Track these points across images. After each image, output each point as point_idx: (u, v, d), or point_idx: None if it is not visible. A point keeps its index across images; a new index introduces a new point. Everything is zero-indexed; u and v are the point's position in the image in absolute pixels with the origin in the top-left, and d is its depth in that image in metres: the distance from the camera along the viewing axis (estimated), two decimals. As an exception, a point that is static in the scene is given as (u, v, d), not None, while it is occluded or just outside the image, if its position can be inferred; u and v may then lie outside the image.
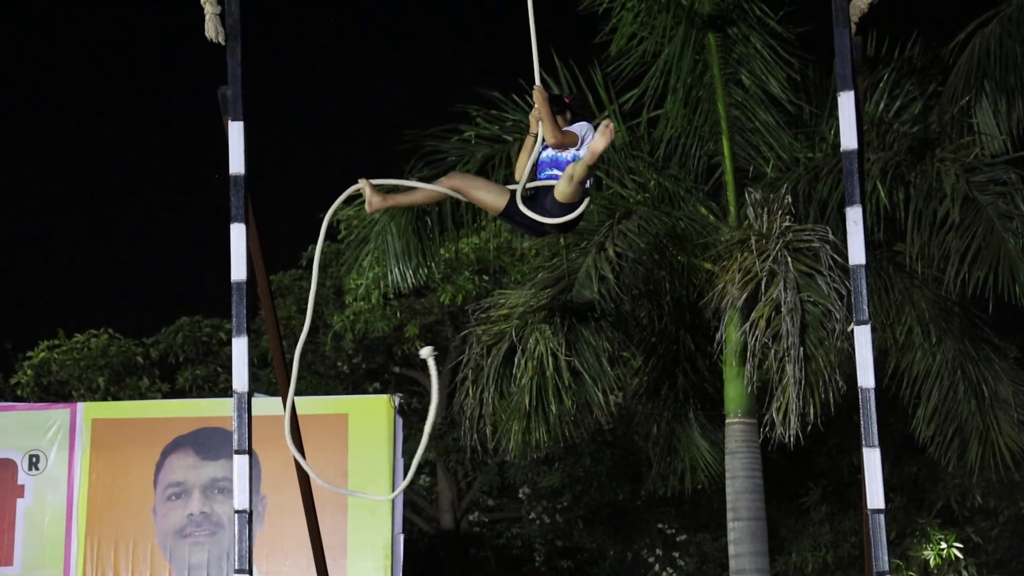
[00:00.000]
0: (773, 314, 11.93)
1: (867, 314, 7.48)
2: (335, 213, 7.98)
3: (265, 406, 11.57)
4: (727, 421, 13.33)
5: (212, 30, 7.82)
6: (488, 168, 13.50)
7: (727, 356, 13.15)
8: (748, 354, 12.12)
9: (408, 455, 21.23)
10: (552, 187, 7.82)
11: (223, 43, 7.82)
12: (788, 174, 13.43)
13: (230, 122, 7.85)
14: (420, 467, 23.70)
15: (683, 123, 13.66)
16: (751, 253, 12.19)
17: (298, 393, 12.71)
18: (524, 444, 13.21)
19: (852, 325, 7.56)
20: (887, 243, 13.71)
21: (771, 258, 12.04)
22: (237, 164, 7.82)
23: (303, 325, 8.08)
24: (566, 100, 8.35)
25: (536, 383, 12.92)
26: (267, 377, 20.70)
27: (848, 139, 7.68)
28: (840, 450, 21.46)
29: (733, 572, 13.25)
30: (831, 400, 11.89)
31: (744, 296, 12.14)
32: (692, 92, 13.55)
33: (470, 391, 13.27)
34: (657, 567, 23.65)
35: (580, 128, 7.99)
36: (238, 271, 7.75)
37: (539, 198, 7.88)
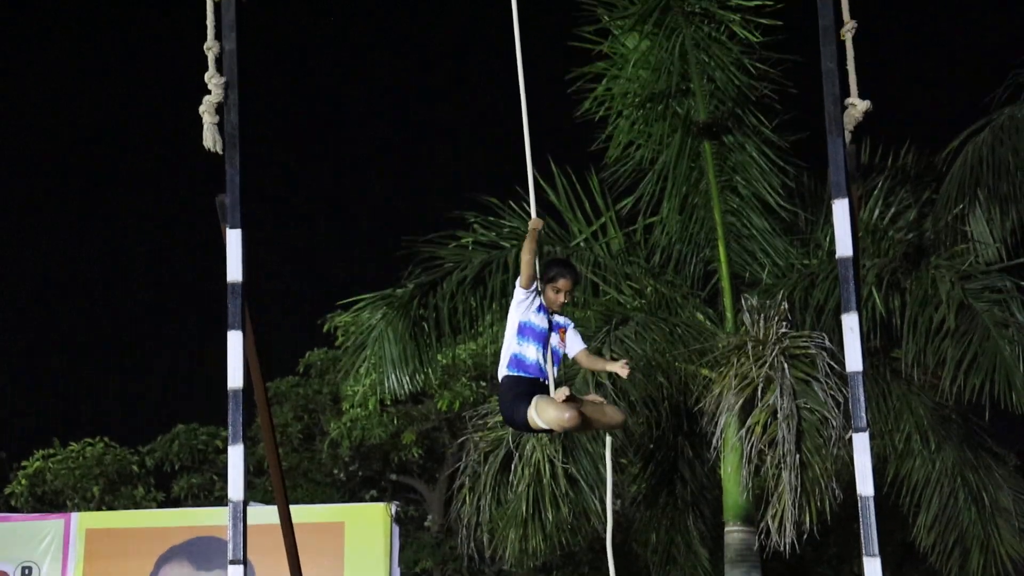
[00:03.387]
0: (770, 420, 11.90)
1: (865, 421, 7.45)
2: None
3: (261, 515, 11.48)
4: (726, 529, 13.22)
5: (210, 139, 7.87)
6: (485, 274, 13.54)
7: (724, 462, 13.08)
8: (744, 460, 12.07)
9: (404, 564, 21.18)
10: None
11: (220, 152, 7.87)
12: (784, 280, 13.47)
13: (228, 230, 7.87)
14: (417, 576, 23.53)
15: (679, 229, 13.74)
16: (748, 359, 12.19)
17: (294, 501, 12.64)
18: (521, 552, 13.10)
19: (850, 432, 7.52)
20: (884, 349, 13.71)
21: (768, 364, 12.03)
22: (235, 272, 7.82)
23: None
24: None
25: (533, 490, 12.84)
26: (263, 485, 20.59)
27: (843, 246, 7.70)
28: (841, 559, 21.29)
29: None
30: (828, 508, 11.82)
31: (741, 402, 12.12)
32: (688, 199, 13.64)
33: (467, 498, 13.19)
34: None
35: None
36: (235, 379, 7.72)
37: None
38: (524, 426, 8.03)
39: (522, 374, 8.01)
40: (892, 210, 13.91)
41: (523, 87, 8.42)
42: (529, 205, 8.54)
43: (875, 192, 13.87)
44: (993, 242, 13.37)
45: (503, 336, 8.18)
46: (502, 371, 8.06)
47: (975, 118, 13.65)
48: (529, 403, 7.90)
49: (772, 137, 13.45)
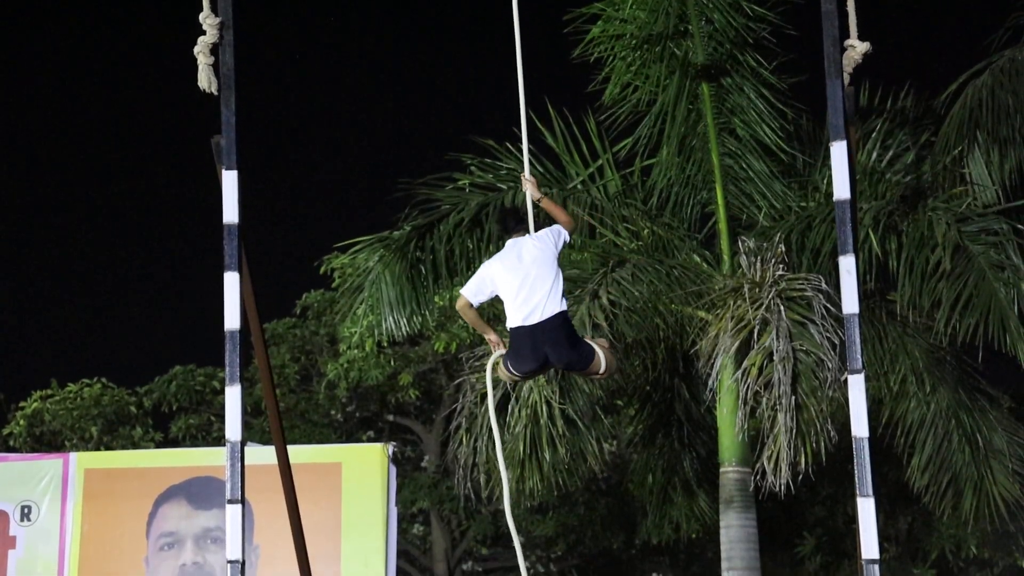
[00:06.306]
0: (765, 362, 11.93)
1: (861, 363, 7.47)
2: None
3: (258, 455, 11.53)
4: (721, 470, 13.30)
5: (205, 80, 7.83)
6: (482, 216, 13.53)
7: (720, 404, 13.14)
8: (740, 402, 12.11)
9: (402, 504, 21.28)
10: None
11: (215, 93, 7.84)
12: (781, 223, 13.46)
13: (224, 171, 7.86)
14: (413, 516, 23.69)
15: (677, 172, 13.71)
16: (744, 301, 12.21)
17: (292, 442, 12.69)
18: (518, 492, 13.17)
19: (846, 374, 7.55)
20: (880, 292, 13.73)
21: (764, 306, 12.05)
22: (231, 213, 7.82)
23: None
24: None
25: (530, 431, 12.89)
26: (260, 426, 20.66)
27: (841, 189, 7.69)
28: (835, 500, 21.43)
29: (728, 622, 13.17)
30: (823, 449, 11.88)
31: (737, 344, 12.15)
32: (686, 141, 13.60)
33: (464, 439, 13.24)
34: (652, 616, 23.55)
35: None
36: (232, 320, 7.74)
37: None
38: (582, 363, 8.32)
39: None
40: (890, 152, 13.89)
41: (520, 59, 8.48)
42: (525, 150, 8.55)
43: (873, 134, 13.85)
44: (991, 184, 13.36)
45: (548, 274, 8.30)
46: (563, 305, 8.31)
47: (975, 60, 13.61)
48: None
49: (771, 79, 13.41)
